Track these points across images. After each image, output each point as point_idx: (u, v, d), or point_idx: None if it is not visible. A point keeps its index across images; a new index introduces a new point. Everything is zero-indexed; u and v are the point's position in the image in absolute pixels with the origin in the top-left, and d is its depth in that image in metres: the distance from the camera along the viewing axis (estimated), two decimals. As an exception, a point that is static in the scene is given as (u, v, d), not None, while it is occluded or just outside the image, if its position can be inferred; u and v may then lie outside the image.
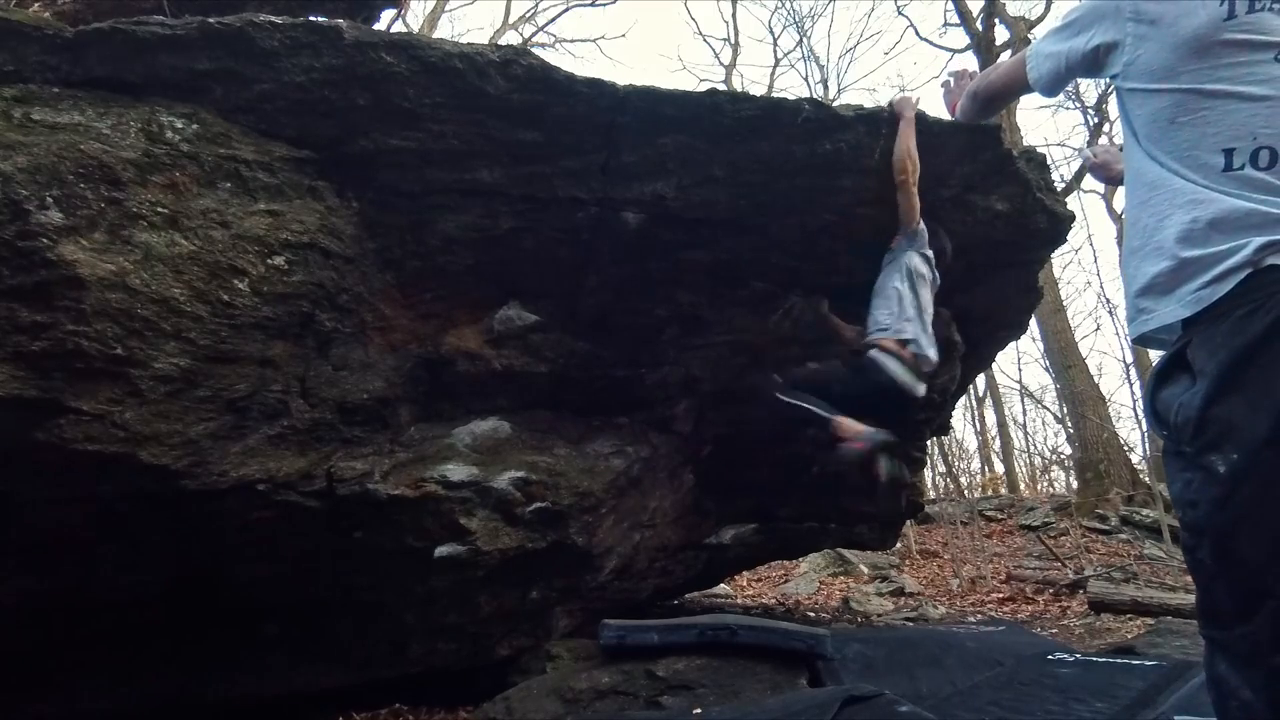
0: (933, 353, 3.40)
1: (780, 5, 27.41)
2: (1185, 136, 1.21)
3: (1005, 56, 12.91)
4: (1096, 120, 14.42)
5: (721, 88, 4.81)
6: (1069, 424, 13.68)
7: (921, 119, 3.31)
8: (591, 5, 16.77)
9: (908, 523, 7.37)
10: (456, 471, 3.27)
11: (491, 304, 3.34)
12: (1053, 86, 1.56)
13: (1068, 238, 4.40)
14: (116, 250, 2.24)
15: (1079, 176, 14.83)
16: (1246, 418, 1.04)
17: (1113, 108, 14.06)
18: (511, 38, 15.95)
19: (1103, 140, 14.34)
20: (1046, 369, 15.83)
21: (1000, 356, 10.91)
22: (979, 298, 3.36)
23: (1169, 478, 1.17)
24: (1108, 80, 1.42)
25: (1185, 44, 1.22)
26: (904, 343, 3.29)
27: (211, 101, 2.49)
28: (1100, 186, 17.37)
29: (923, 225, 3.40)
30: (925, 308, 3.38)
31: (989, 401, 18.01)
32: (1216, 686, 1.09)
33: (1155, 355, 1.32)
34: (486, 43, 4.39)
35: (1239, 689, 1.04)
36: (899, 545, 8.28)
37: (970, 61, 13.69)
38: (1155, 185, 1.25)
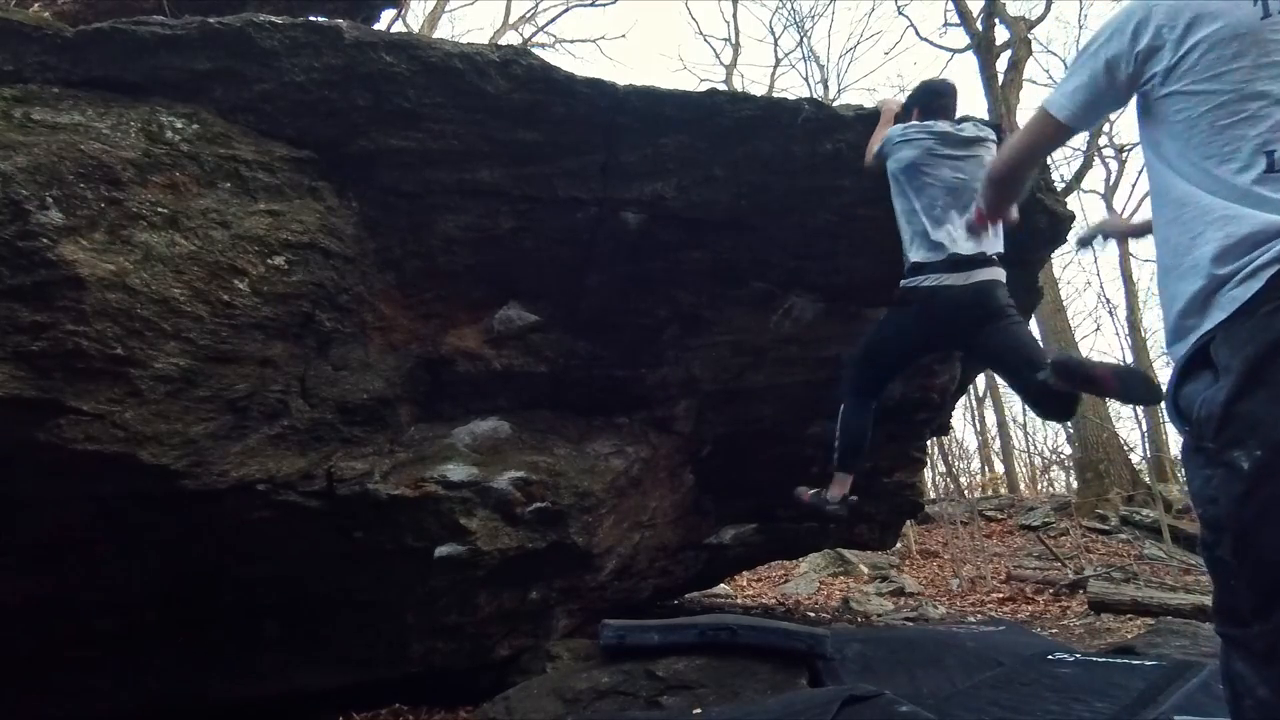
0: (932, 243, 2.90)
1: (781, 5, 27.48)
2: (1225, 139, 1.19)
3: (1005, 57, 12.92)
4: (1097, 120, 14.38)
5: (722, 88, 4.81)
6: (1069, 424, 13.67)
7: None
8: (591, 5, 16.77)
9: (908, 523, 7.37)
10: (456, 471, 3.27)
11: (491, 304, 3.34)
12: (1089, 114, 1.45)
13: (1068, 238, 4.40)
14: (116, 250, 2.24)
15: (1079, 177, 14.85)
16: (1271, 413, 1.03)
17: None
18: (511, 38, 15.95)
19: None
20: (1046, 369, 15.77)
21: (1000, 356, 10.87)
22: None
23: (1189, 475, 1.16)
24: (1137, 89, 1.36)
25: (1226, 43, 1.21)
26: (915, 266, 2.95)
27: (211, 101, 2.49)
28: (1100, 186, 17.38)
29: (883, 142, 3.08)
30: (921, 193, 2.96)
31: (989, 401, 18.03)
32: (1231, 684, 1.09)
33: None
34: (486, 43, 4.39)
35: (1255, 687, 1.04)
36: (899, 545, 8.28)
37: (970, 61, 13.68)
38: (1183, 202, 1.23)
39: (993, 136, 3.14)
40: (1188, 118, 1.24)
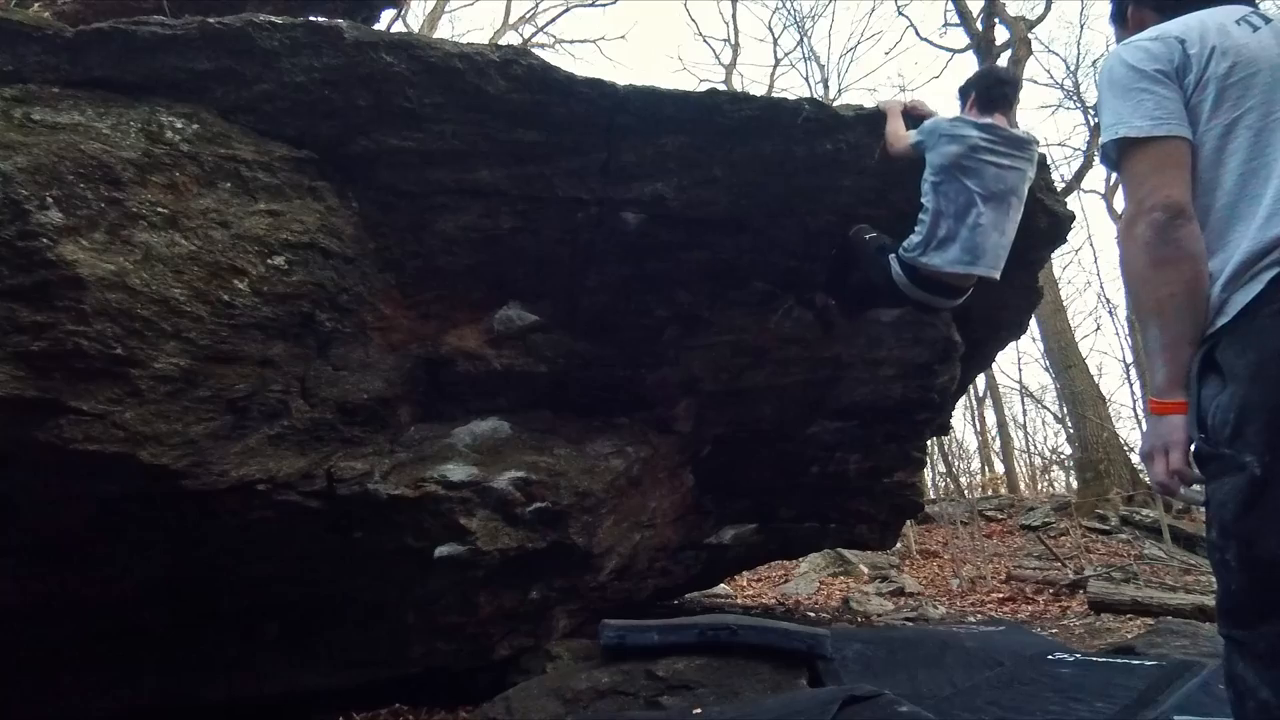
0: (946, 257, 2.86)
1: (780, 5, 27.51)
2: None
3: (1005, 57, 12.90)
4: (1097, 120, 14.39)
5: (721, 88, 4.81)
6: (1069, 424, 13.69)
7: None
8: (591, 5, 16.80)
9: (908, 523, 7.38)
10: (456, 471, 3.27)
11: (491, 304, 3.34)
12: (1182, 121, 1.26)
13: (1068, 238, 4.40)
14: (116, 250, 2.24)
15: (1079, 177, 14.86)
16: (1278, 419, 1.04)
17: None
18: (511, 38, 15.98)
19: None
20: (1046, 369, 15.88)
21: (1000, 356, 10.93)
22: (979, 298, 3.35)
23: (1206, 479, 1.17)
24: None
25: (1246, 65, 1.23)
26: (908, 266, 2.97)
27: (211, 101, 2.49)
28: (1100, 186, 17.40)
29: (920, 132, 2.94)
30: (957, 196, 2.85)
31: (989, 401, 18.06)
32: (1234, 685, 1.09)
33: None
34: (486, 43, 4.39)
35: (1257, 688, 1.04)
36: (899, 545, 8.29)
37: (970, 61, 13.68)
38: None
39: (1039, 144, 3.03)
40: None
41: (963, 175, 2.84)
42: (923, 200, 2.94)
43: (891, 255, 3.04)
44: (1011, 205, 2.95)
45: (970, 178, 2.84)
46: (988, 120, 2.89)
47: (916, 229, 2.95)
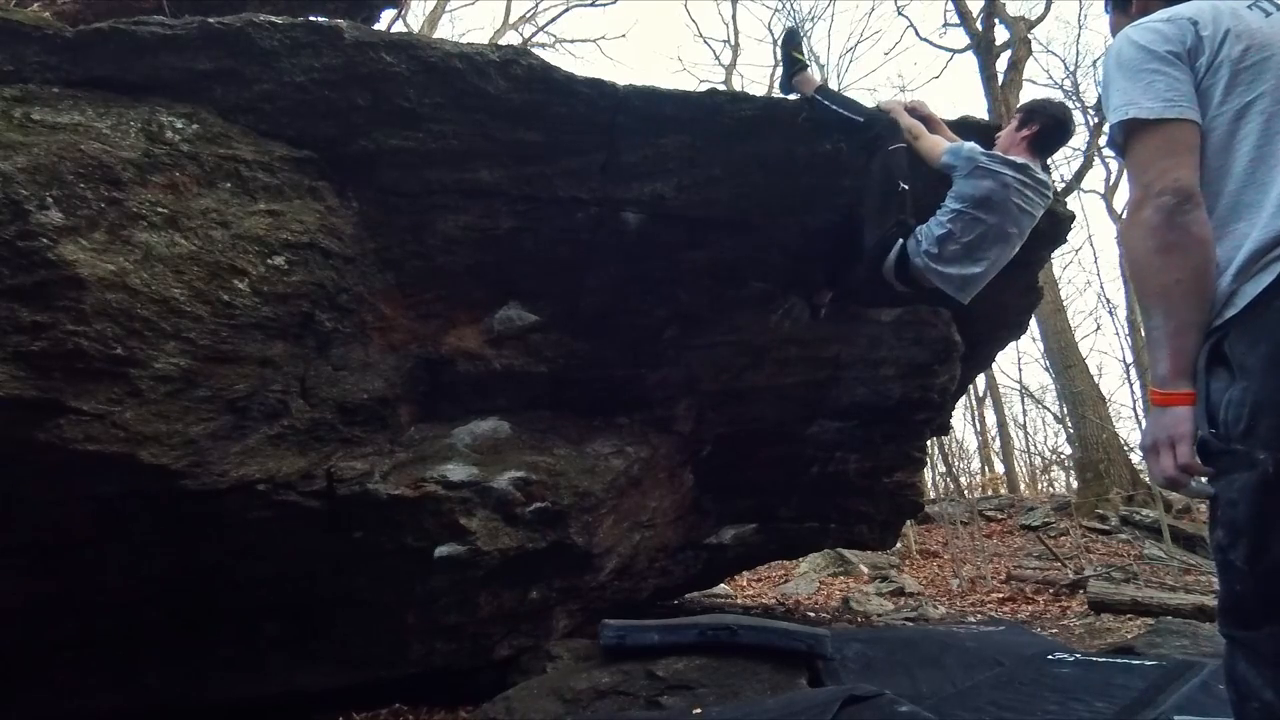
0: (942, 277, 2.94)
1: (780, 6, 27.48)
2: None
3: (1005, 57, 12.90)
4: (1097, 120, 14.43)
5: (721, 88, 4.81)
6: (1069, 424, 13.69)
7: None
8: (591, 5, 16.81)
9: (908, 523, 7.37)
10: (456, 471, 3.27)
11: (491, 304, 3.34)
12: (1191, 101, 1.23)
13: (1068, 238, 4.40)
14: (116, 250, 2.24)
15: (1079, 177, 14.87)
16: None
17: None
18: (511, 38, 15.99)
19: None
20: (1046, 369, 15.87)
21: (1000, 356, 10.93)
22: (979, 298, 3.36)
23: (1214, 475, 1.14)
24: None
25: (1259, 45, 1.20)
26: (904, 258, 2.97)
27: (211, 101, 2.49)
28: (1100, 186, 17.39)
29: (954, 155, 2.86)
30: (974, 228, 2.85)
31: (989, 401, 18.05)
32: (1236, 686, 1.08)
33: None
34: (486, 43, 4.39)
35: (1260, 689, 1.03)
36: (899, 545, 8.28)
37: (970, 61, 13.69)
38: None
39: (1051, 185, 3.01)
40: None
41: (987, 212, 2.84)
42: (941, 216, 2.90)
43: (901, 241, 2.97)
44: (1014, 247, 3.01)
45: (993, 214, 2.85)
46: (1023, 160, 2.86)
47: (929, 238, 2.90)
